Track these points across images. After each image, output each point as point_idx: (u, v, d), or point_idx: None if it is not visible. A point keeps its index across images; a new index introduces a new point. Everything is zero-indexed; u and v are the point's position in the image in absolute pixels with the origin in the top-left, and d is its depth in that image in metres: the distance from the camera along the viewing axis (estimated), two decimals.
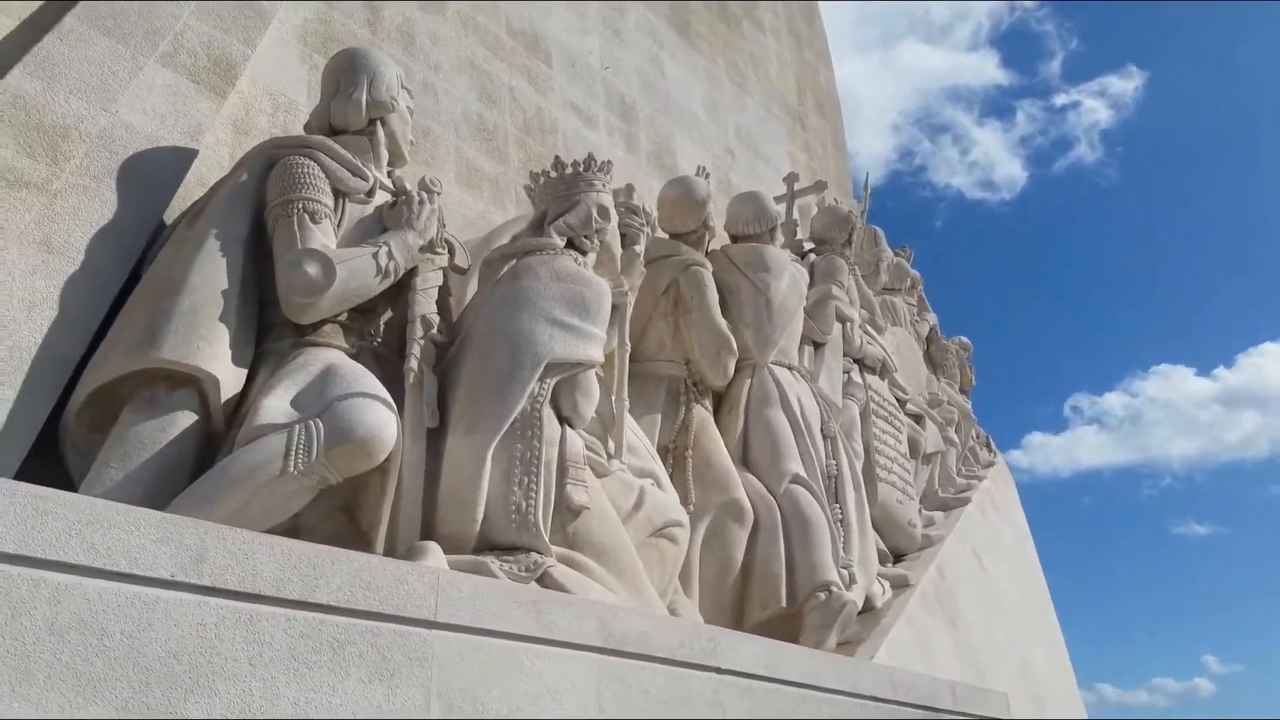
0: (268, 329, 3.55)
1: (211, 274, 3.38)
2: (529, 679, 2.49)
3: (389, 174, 4.13)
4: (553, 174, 4.47)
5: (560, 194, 4.41)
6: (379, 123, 4.13)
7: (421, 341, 3.70)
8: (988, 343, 35.63)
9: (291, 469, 2.90)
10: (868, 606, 5.95)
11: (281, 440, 2.93)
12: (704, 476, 5.45)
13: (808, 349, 7.28)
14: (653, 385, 5.77)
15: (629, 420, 5.03)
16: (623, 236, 5.28)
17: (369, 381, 3.27)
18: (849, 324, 7.64)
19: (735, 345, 5.98)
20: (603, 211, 4.39)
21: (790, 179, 9.04)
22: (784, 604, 5.16)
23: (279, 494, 2.93)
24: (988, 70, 37.63)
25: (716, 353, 5.86)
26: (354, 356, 3.60)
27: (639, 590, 3.66)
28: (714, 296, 5.98)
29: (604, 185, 4.51)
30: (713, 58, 9.81)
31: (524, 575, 3.27)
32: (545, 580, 3.31)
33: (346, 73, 4.14)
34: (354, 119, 4.06)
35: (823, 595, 5.16)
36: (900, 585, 6.49)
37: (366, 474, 3.20)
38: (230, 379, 3.27)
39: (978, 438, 13.46)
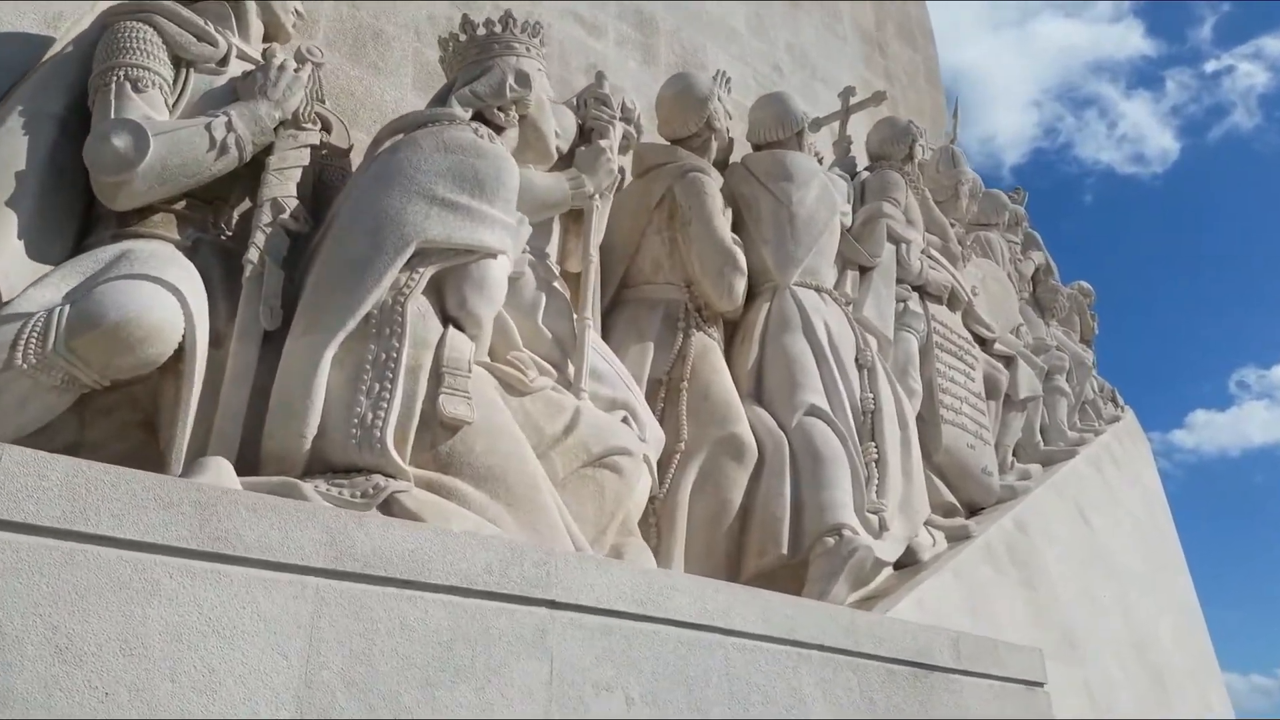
0: (95, 223, 2.99)
1: (7, 157, 2.83)
2: (179, 609, 1.77)
3: (264, 51, 3.51)
4: (462, 37, 3.74)
5: (471, 60, 3.69)
6: None
7: (268, 229, 3.06)
8: (1145, 319, 33.15)
9: (19, 362, 2.31)
10: (910, 559, 5.00)
11: (13, 330, 2.34)
12: (700, 410, 4.65)
13: (852, 274, 6.33)
14: (646, 311, 5.00)
15: (601, 345, 4.29)
16: (589, 131, 4.54)
17: (159, 264, 2.65)
18: (904, 246, 6.60)
19: (743, 261, 5.12)
20: (521, 78, 3.63)
21: (846, 93, 8.02)
22: (784, 550, 4.30)
23: (10, 395, 2.34)
24: (1133, 40, 35.05)
25: (719, 270, 5.03)
26: (190, 251, 3.01)
27: (539, 524, 2.91)
28: (716, 205, 5.13)
29: (530, 50, 3.76)
30: None
31: (358, 501, 2.58)
32: (390, 508, 2.61)
33: None
34: None
35: (831, 540, 4.27)
36: (960, 538, 5.48)
37: (164, 382, 2.59)
38: (19, 275, 2.70)
39: (1101, 391, 12.06)
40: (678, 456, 4.47)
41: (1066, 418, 9.89)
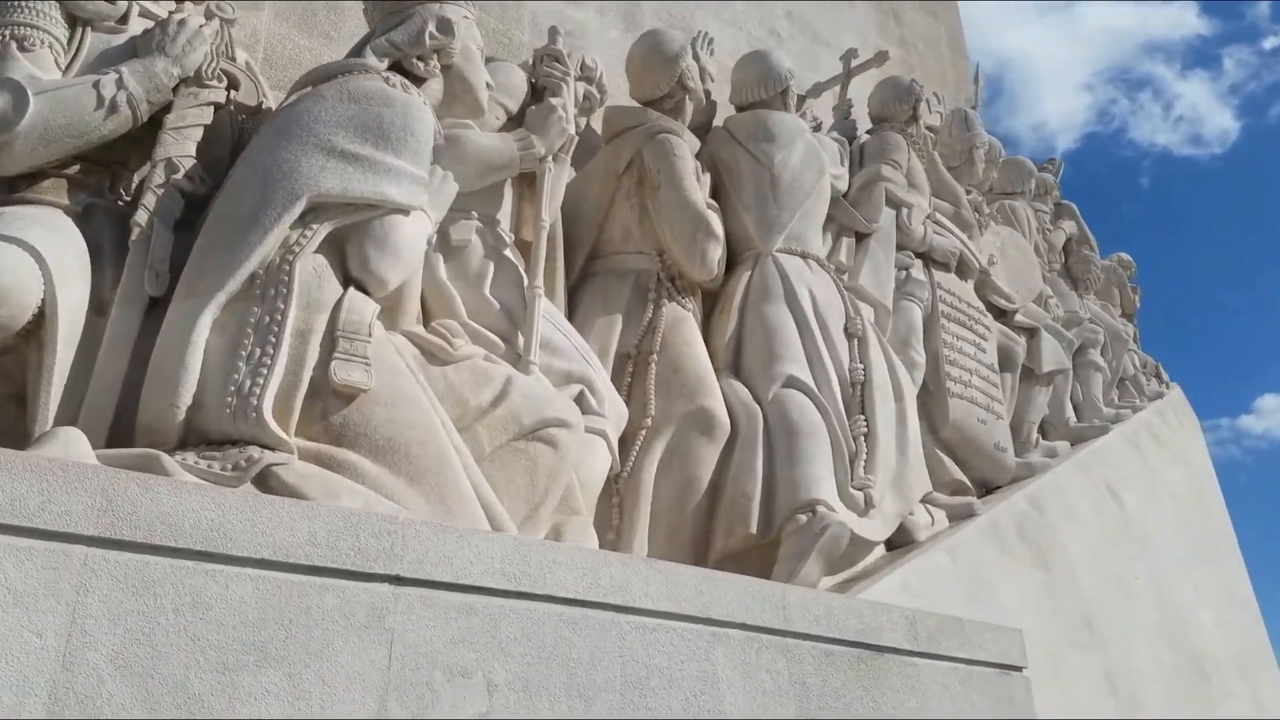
0: None
1: None
2: None
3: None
4: None
5: (391, 9, 3.44)
6: None
7: (160, 190, 2.85)
8: (1208, 302, 32.02)
9: None
10: (905, 539, 4.67)
11: None
12: (669, 384, 4.37)
13: (848, 240, 6.00)
14: (615, 281, 4.73)
15: (557, 316, 4.04)
16: (540, 90, 4.28)
17: (22, 226, 2.46)
18: (905, 210, 6.24)
19: (717, 225, 4.83)
20: (444, 25, 3.38)
21: (848, 55, 7.68)
22: (752, 530, 4.01)
23: None
24: (1187, 20, 33.87)
25: (691, 235, 4.74)
26: (82, 217, 2.82)
27: (448, 498, 2.67)
28: (687, 168, 4.84)
29: None
30: None
31: (228, 475, 2.36)
32: (266, 482, 2.38)
33: None
34: None
35: (803, 518, 3.96)
36: (963, 516, 5.13)
37: (31, 352, 2.39)
38: None
39: (1145, 367, 11.52)
40: (643, 433, 4.21)
41: (1103, 393, 9.41)
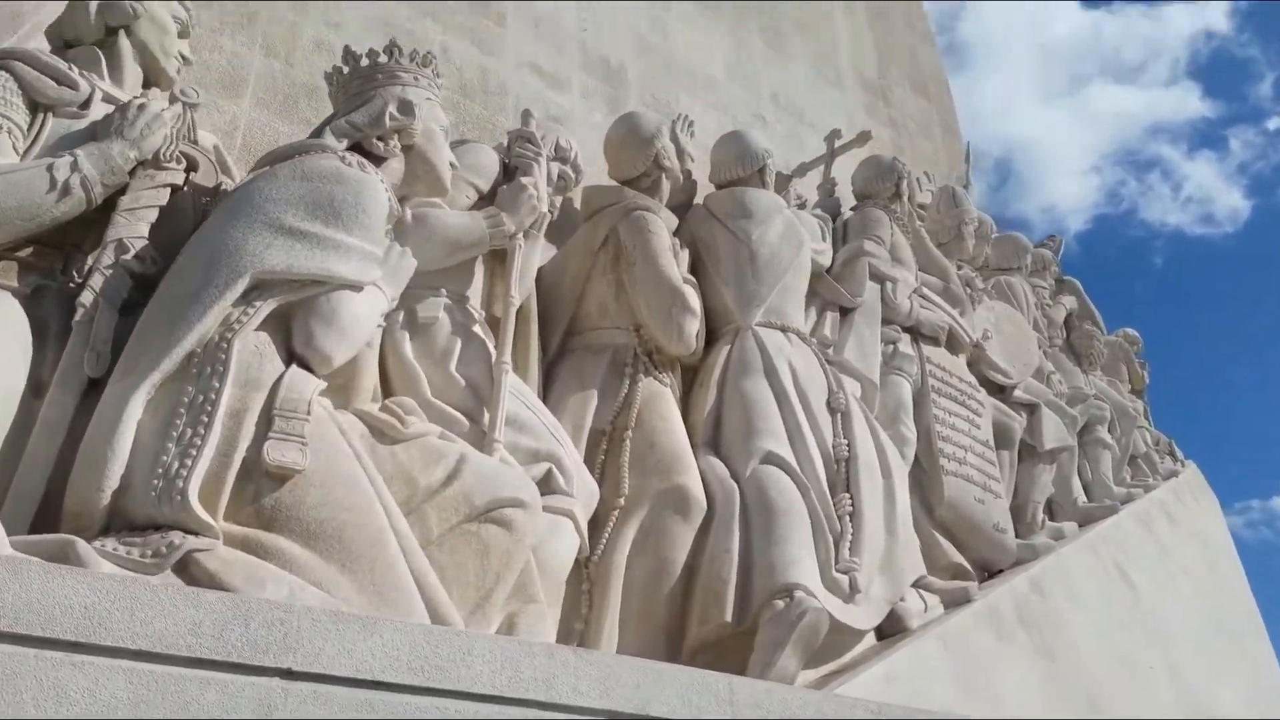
0: None
1: None
2: None
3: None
4: (345, 69, 3.54)
5: (354, 91, 3.48)
6: (123, 33, 3.38)
7: (108, 271, 2.83)
8: (1232, 381, 31.80)
9: None
10: (896, 626, 4.47)
11: None
12: (644, 461, 4.26)
13: (832, 315, 5.95)
14: (592, 357, 4.67)
15: (527, 393, 3.97)
16: (513, 170, 4.31)
17: None
18: (889, 285, 6.20)
19: (693, 299, 4.78)
20: (405, 107, 3.40)
21: (831, 136, 7.75)
22: (727, 617, 3.82)
23: None
24: (1191, 103, 34.76)
25: (667, 309, 4.69)
26: (31, 299, 2.79)
27: (383, 586, 2.55)
28: (663, 244, 4.82)
29: (419, 79, 3.54)
30: (739, 21, 8.71)
31: (147, 561, 2.26)
32: (187, 568, 2.28)
33: None
34: (84, 28, 3.37)
35: (780, 603, 3.78)
36: (958, 602, 4.92)
37: None
38: None
39: (1157, 444, 11.29)
40: (616, 513, 4.08)
41: (1112, 472, 9.20)
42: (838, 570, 4.19)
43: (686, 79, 7.55)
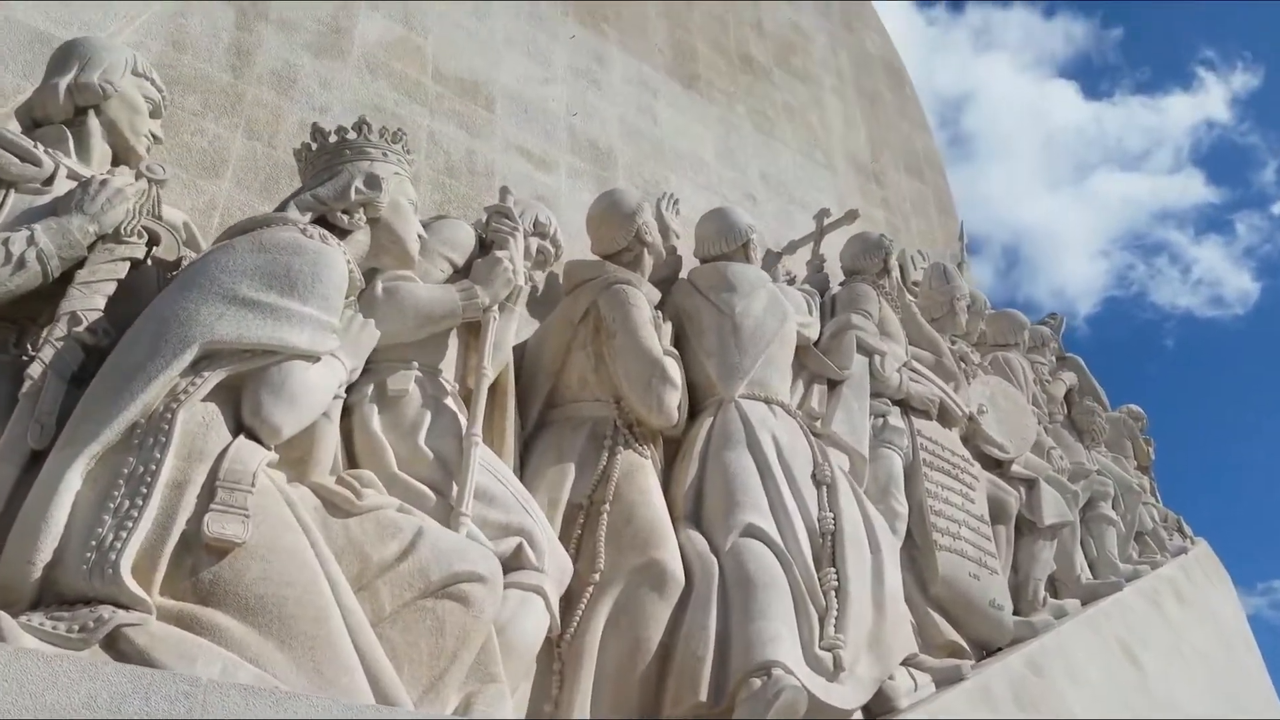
0: None
1: None
2: None
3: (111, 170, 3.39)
4: (314, 145, 3.59)
5: (321, 166, 3.52)
6: (92, 112, 3.45)
7: (59, 343, 2.81)
8: (1247, 457, 31.56)
9: None
10: (884, 706, 4.28)
11: None
12: (621, 535, 4.17)
13: (820, 388, 5.90)
14: (570, 430, 4.62)
15: (499, 466, 3.91)
16: (489, 244, 4.34)
17: None
18: (877, 358, 6.16)
19: (673, 371, 4.75)
20: (371, 181, 3.43)
21: (820, 214, 7.82)
22: (702, 698, 3.67)
23: None
24: (1195, 189, 35.69)
25: (647, 381, 4.65)
26: None
27: (323, 663, 2.45)
28: (642, 316, 4.81)
29: (387, 155, 3.58)
30: (729, 106, 8.90)
31: (74, 637, 2.18)
32: (116, 644, 2.19)
33: (57, 61, 3.58)
34: (53, 108, 3.44)
35: (757, 682, 3.64)
36: (950, 681, 4.73)
37: None
38: None
39: (1165, 521, 11.10)
40: (590, 589, 3.97)
41: (1118, 548, 9.01)
42: (821, 647, 4.05)
43: (675, 161, 7.68)
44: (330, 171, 3.46)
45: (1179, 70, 38.00)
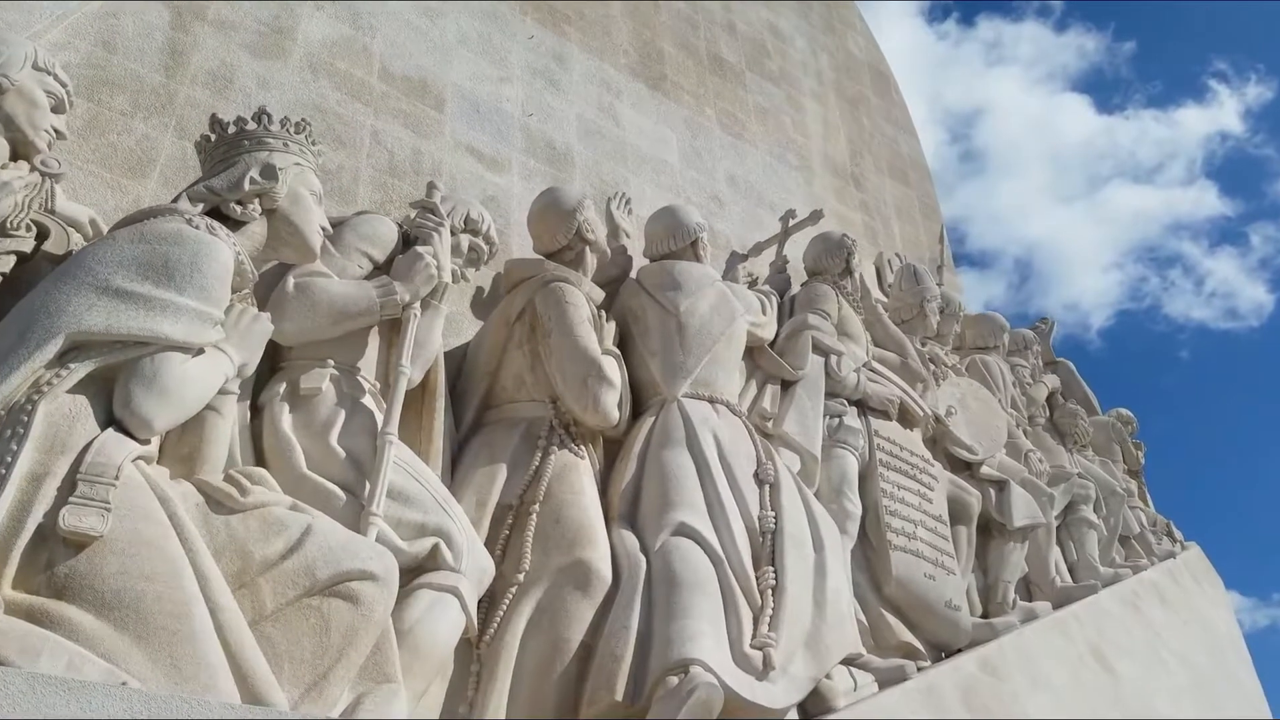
0: None
1: None
2: None
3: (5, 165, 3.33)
4: (212, 137, 3.52)
5: (219, 158, 3.45)
6: None
7: None
8: (1261, 470, 31.39)
9: None
10: (821, 706, 4.17)
11: None
12: (548, 536, 4.08)
13: (773, 388, 5.82)
14: (505, 430, 4.54)
15: (418, 466, 3.82)
16: (413, 240, 4.26)
17: None
18: (834, 358, 6.07)
19: (610, 370, 4.67)
20: (267, 171, 3.37)
21: (786, 216, 7.75)
22: (617, 696, 3.57)
23: None
24: (1208, 201, 35.69)
25: (582, 380, 4.57)
26: None
27: (182, 660, 2.37)
28: (579, 314, 4.74)
29: (289, 145, 3.52)
30: (698, 108, 8.84)
31: None
32: None
33: None
34: None
35: (674, 679, 3.53)
36: (895, 681, 4.62)
37: None
38: None
39: (1154, 525, 10.97)
40: (513, 589, 3.88)
41: (1100, 552, 8.89)
42: (752, 646, 3.94)
43: (637, 162, 7.61)
44: (227, 162, 3.39)
45: (1191, 83, 37.99)
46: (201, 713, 2.16)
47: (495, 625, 3.78)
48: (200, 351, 2.91)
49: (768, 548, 4.45)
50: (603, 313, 5.11)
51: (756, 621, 4.11)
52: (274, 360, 3.88)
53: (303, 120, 3.65)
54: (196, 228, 3.00)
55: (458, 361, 4.98)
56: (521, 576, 3.92)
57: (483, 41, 7.01)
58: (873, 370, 6.40)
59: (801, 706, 4.15)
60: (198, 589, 2.51)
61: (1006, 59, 37.74)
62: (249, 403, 3.69)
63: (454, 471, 4.39)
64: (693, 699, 3.42)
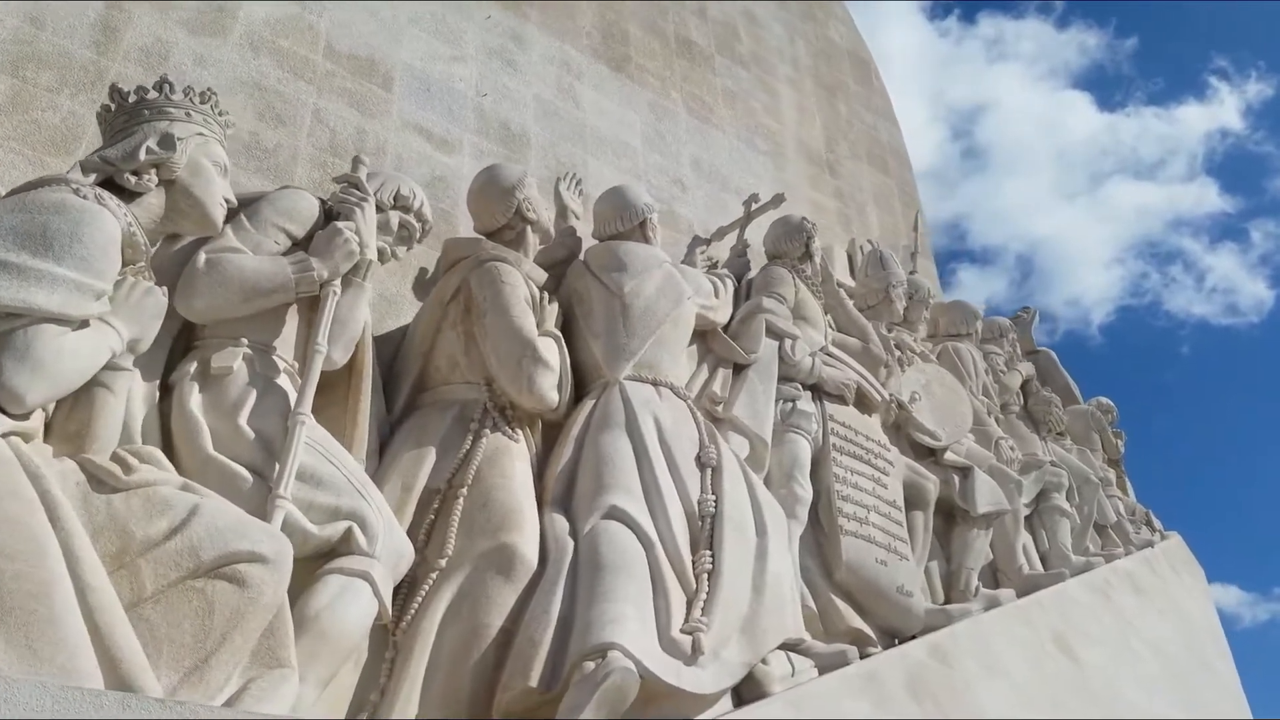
0: None
1: None
2: None
3: None
4: (112, 107, 3.41)
5: (118, 128, 3.33)
6: None
7: None
8: (1262, 465, 31.40)
9: None
10: (756, 692, 4.08)
11: None
12: (474, 520, 3.98)
13: (724, 371, 5.72)
14: (437, 413, 4.44)
15: (333, 448, 3.71)
16: (335, 215, 4.15)
17: None
18: (788, 342, 5.97)
19: (547, 351, 4.56)
20: (165, 141, 3.26)
21: (749, 200, 7.63)
22: (532, 683, 3.47)
23: None
24: (1209, 198, 35.76)
25: (517, 361, 4.46)
26: None
27: (38, 642, 2.27)
28: (515, 294, 4.63)
29: (191, 115, 3.41)
30: (663, 91, 8.72)
31: None
32: None
33: None
34: None
35: (591, 664, 3.43)
36: (835, 667, 4.52)
37: None
38: None
39: (1133, 514, 10.89)
40: (434, 575, 3.78)
41: (1072, 540, 8.80)
42: (682, 630, 3.84)
43: (596, 144, 7.49)
44: (125, 133, 3.28)
45: (1192, 80, 37.98)
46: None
47: (414, 611, 3.68)
48: (84, 325, 2.80)
49: (706, 532, 4.35)
50: (545, 294, 5.01)
51: (690, 606, 4.01)
52: (188, 339, 3.79)
53: (208, 90, 3.53)
54: (84, 197, 2.89)
55: (398, 344, 4.88)
56: (444, 562, 3.82)
57: (436, 21, 6.89)
58: (829, 354, 6.30)
59: (736, 692, 4.06)
60: (64, 569, 2.41)
61: (1008, 56, 37.71)
62: (159, 382, 3.59)
63: (383, 455, 4.29)
64: (606, 684, 3.31)
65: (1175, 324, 34.99)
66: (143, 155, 3.19)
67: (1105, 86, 37.18)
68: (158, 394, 3.56)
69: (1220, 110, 36.63)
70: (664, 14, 9.55)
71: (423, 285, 5.27)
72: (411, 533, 3.88)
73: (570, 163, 7.02)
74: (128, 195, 3.15)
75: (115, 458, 2.84)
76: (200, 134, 3.40)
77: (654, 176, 7.83)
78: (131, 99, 3.37)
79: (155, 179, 3.22)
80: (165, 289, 3.16)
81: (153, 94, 3.38)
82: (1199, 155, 36.36)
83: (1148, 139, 37.47)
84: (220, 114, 3.57)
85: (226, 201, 3.50)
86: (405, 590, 3.74)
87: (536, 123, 7.10)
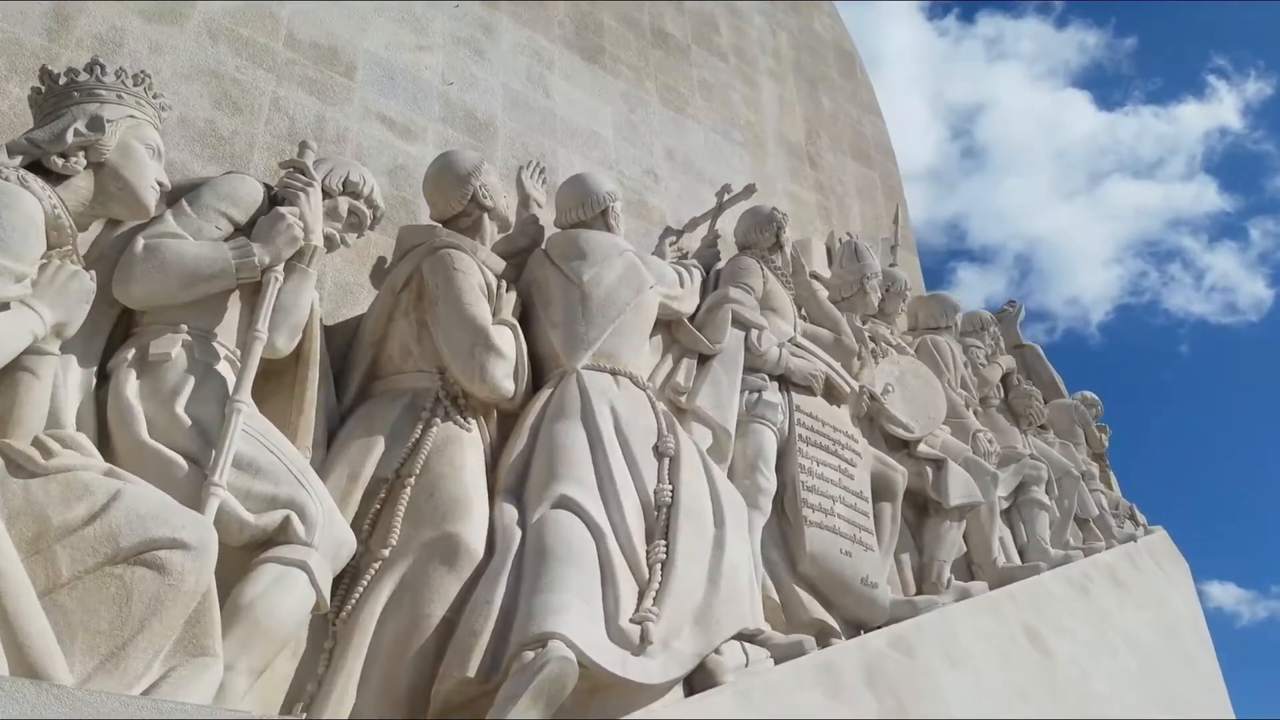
0: None
1: None
2: None
3: None
4: (43, 89, 3.35)
5: (48, 110, 3.28)
6: None
7: None
8: (1261, 464, 31.48)
9: None
10: (709, 682, 4.03)
11: None
12: (420, 510, 3.93)
13: (689, 361, 5.68)
14: (388, 402, 4.39)
15: (273, 435, 3.66)
16: (280, 200, 4.09)
17: None
18: (754, 332, 5.93)
19: (500, 339, 4.52)
20: (94, 123, 3.20)
21: (721, 191, 7.59)
22: (469, 673, 3.41)
23: None
24: (1208, 196, 35.81)
25: (469, 349, 4.42)
26: None
27: None
28: (468, 281, 4.58)
29: (123, 97, 3.35)
30: (637, 81, 8.66)
31: None
32: None
33: None
34: None
35: (530, 654, 3.38)
36: (792, 657, 4.48)
37: None
38: None
39: (1117, 508, 10.86)
40: (377, 564, 3.73)
41: (1051, 533, 8.77)
42: (631, 620, 3.79)
43: (566, 135, 7.44)
44: (55, 115, 3.22)
45: (1191, 79, 38.04)
46: None
47: (354, 601, 3.63)
48: (4, 308, 2.75)
49: (662, 522, 4.31)
50: (504, 283, 4.96)
51: (641, 596, 3.96)
52: (127, 326, 3.73)
53: (142, 72, 3.47)
54: (6, 179, 2.84)
55: (352, 333, 4.83)
56: (387, 551, 3.77)
57: (402, 10, 6.83)
58: (798, 345, 6.25)
59: (688, 683, 4.02)
60: None
61: (1007, 55, 37.75)
62: (96, 369, 3.54)
63: (332, 444, 4.24)
64: (544, 673, 3.26)
65: (1174, 323, 35.04)
66: (70, 137, 3.14)
67: (1104, 86, 37.26)
68: (94, 381, 3.51)
69: (1219, 109, 36.72)
70: (639, 6, 9.49)
71: (380, 274, 5.21)
72: (356, 522, 3.84)
73: (539, 152, 6.96)
74: (55, 178, 3.09)
75: (36, 442, 2.79)
76: (132, 116, 3.34)
77: (626, 167, 7.78)
78: (62, 81, 3.32)
79: (84, 161, 3.17)
80: (94, 273, 3.10)
81: (83, 76, 3.32)
82: (1198, 154, 36.43)
83: (1147, 138, 37.54)
84: (155, 96, 3.51)
85: (160, 185, 3.44)
86: (347, 580, 3.69)
87: (504, 112, 7.04)
